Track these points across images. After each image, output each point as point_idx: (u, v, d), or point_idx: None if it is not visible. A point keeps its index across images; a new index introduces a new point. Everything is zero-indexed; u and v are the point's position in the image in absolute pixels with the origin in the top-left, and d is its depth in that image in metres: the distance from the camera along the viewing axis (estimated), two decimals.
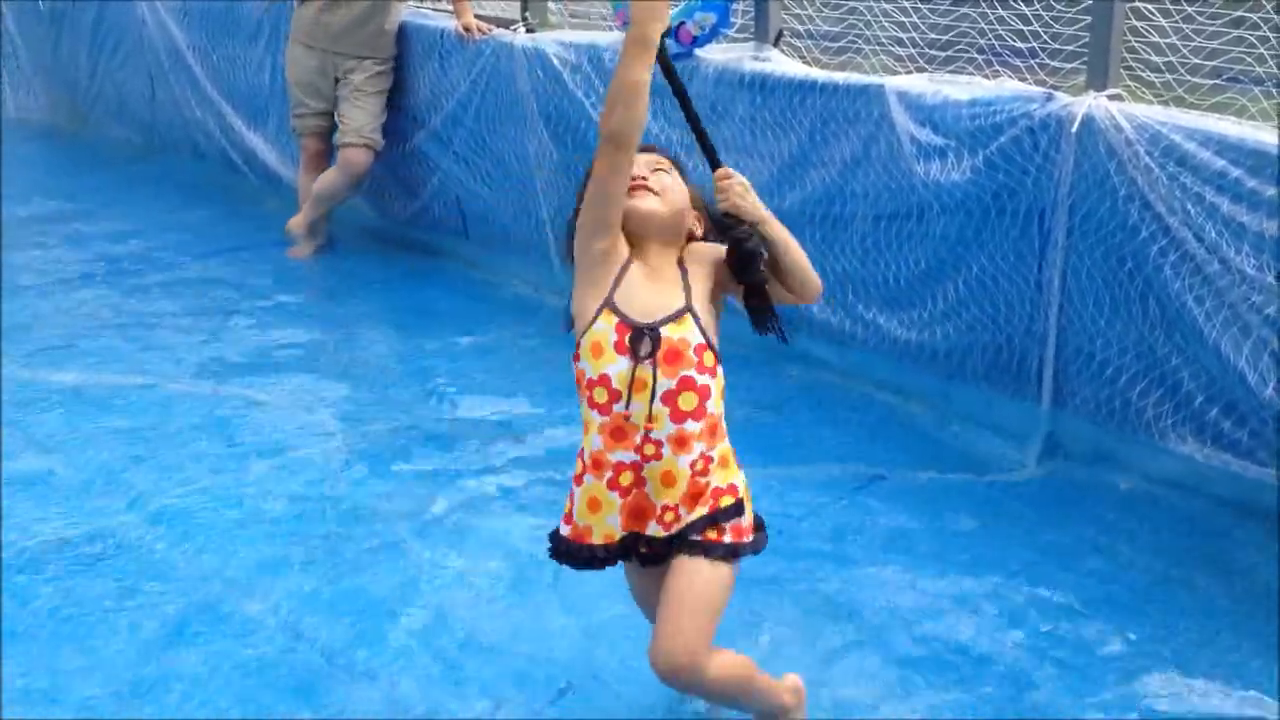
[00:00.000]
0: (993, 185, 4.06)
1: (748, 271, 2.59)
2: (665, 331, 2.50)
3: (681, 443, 2.51)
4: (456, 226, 6.17)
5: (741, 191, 2.62)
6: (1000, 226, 4.10)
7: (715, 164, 2.73)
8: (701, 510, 2.54)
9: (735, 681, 2.62)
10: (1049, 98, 3.93)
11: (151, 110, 7.94)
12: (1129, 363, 3.90)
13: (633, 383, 2.49)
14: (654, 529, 2.55)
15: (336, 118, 6.07)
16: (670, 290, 2.55)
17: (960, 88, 4.19)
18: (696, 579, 2.52)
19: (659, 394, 2.49)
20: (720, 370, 2.56)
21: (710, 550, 2.54)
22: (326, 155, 6.29)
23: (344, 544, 3.66)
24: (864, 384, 4.60)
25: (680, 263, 2.62)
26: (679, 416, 2.50)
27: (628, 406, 2.49)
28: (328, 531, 3.73)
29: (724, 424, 2.60)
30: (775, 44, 4.96)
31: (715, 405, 2.55)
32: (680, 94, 2.76)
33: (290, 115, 6.31)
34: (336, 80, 6.06)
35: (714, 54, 4.96)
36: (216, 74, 7.31)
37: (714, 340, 2.56)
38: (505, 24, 5.82)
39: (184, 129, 7.67)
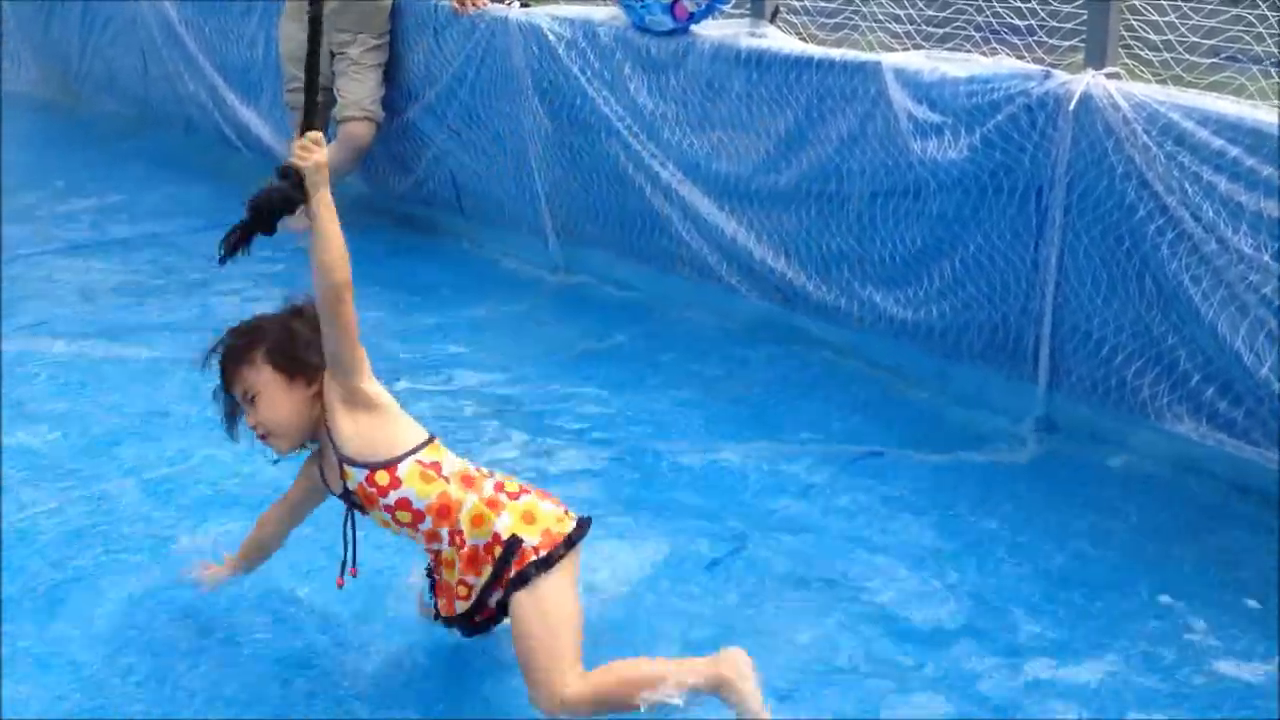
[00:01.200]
0: (990, 163, 4.04)
1: (267, 218, 2.77)
2: (349, 485, 2.72)
3: (432, 537, 2.72)
4: (451, 201, 6.15)
5: (307, 155, 2.73)
6: (997, 204, 4.09)
7: (309, 127, 2.85)
8: (486, 571, 2.68)
9: (627, 684, 2.61)
10: (1047, 75, 3.91)
11: (144, 85, 7.89)
12: (1125, 341, 3.89)
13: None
14: (459, 606, 2.76)
15: (335, 93, 6.03)
16: (332, 463, 2.75)
17: (958, 65, 4.16)
18: (516, 626, 2.64)
19: (392, 524, 2.73)
20: (399, 470, 2.68)
21: (509, 591, 2.66)
22: (321, 130, 6.23)
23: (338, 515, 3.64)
24: (859, 362, 4.59)
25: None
26: (413, 527, 2.71)
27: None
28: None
29: (454, 490, 2.69)
30: (772, 20, 4.94)
31: (424, 497, 2.68)
32: (312, 54, 2.90)
33: (283, 90, 6.26)
34: (332, 55, 6.02)
35: (710, 30, 4.93)
36: (210, 48, 7.26)
37: (382, 453, 2.69)
38: None
39: (177, 104, 7.62)
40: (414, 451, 2.71)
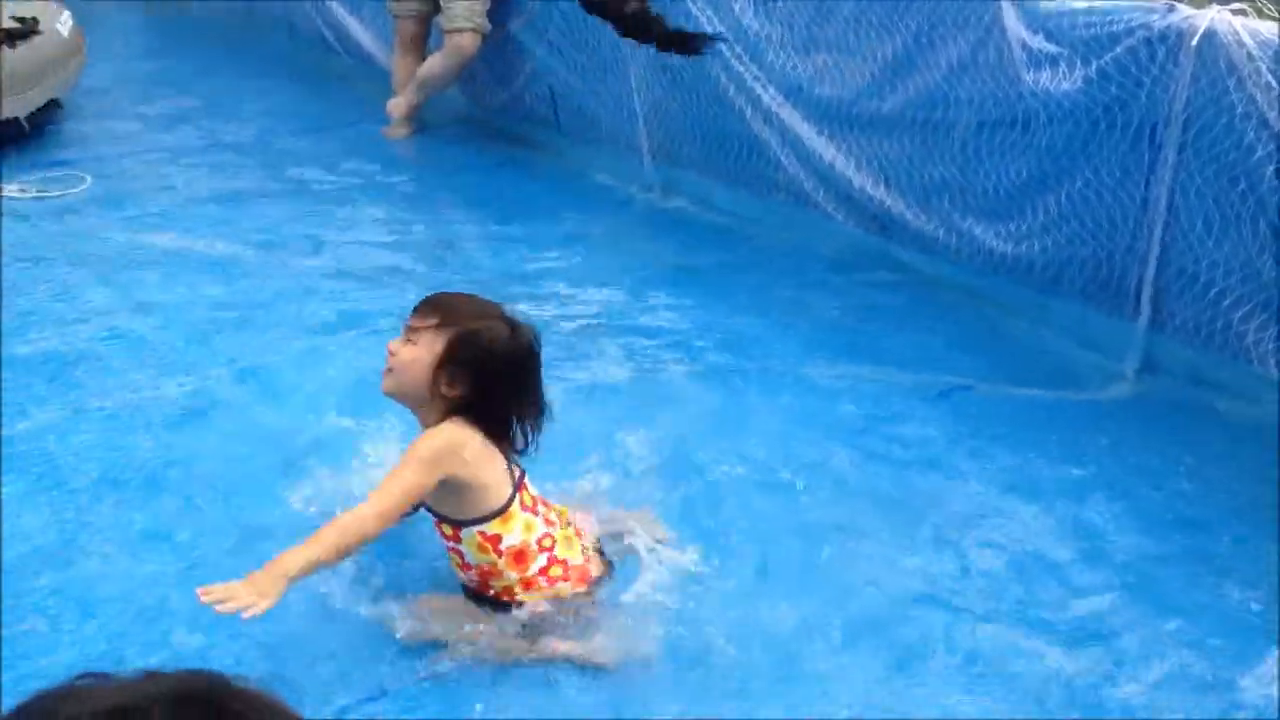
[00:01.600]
0: (1104, 97, 3.95)
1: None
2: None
3: (469, 579, 2.83)
4: (548, 117, 6.15)
5: None
6: (1109, 140, 4.00)
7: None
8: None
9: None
10: (1170, 9, 3.80)
11: None
12: (1233, 285, 3.81)
13: None
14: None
15: (440, 2, 6.03)
16: None
17: None
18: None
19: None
20: (461, 532, 2.73)
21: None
22: (423, 39, 6.28)
23: None
24: (956, 294, 4.54)
25: None
26: (460, 568, 2.83)
27: None
28: None
29: (502, 564, 2.75)
30: None
31: (475, 559, 2.77)
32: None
33: None
34: None
35: None
36: None
37: (449, 512, 2.73)
38: None
39: (282, 8, 7.68)
40: (480, 522, 2.73)
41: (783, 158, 5.08)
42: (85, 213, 5.23)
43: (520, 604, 2.79)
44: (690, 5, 5.20)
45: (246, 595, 2.28)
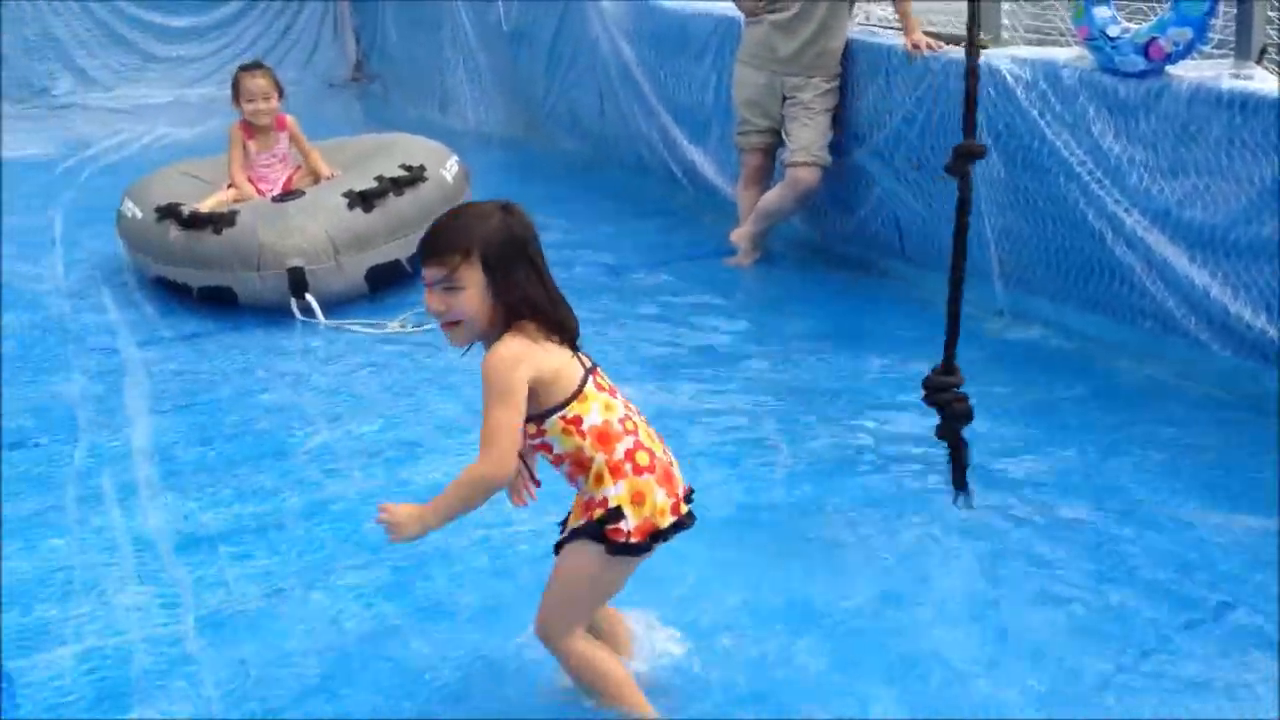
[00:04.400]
0: None
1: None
2: None
3: (568, 478, 2.90)
4: (893, 244, 6.14)
5: None
6: None
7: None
8: (585, 521, 2.85)
9: (596, 679, 2.93)
10: None
11: (600, 124, 8.38)
12: None
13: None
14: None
15: (783, 135, 6.18)
16: None
17: None
18: (566, 561, 2.90)
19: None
20: (545, 424, 2.79)
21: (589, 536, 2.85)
22: (768, 171, 6.43)
23: (792, 555, 3.71)
24: None
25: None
26: (555, 466, 2.90)
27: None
28: (773, 539, 3.81)
29: (588, 447, 2.81)
30: (1259, 60, 4.62)
31: (563, 447, 2.83)
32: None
33: (734, 132, 6.48)
34: (784, 99, 6.17)
35: (1186, 70, 4.69)
36: (662, 90, 7.62)
37: (531, 410, 2.77)
38: (954, 41, 5.73)
39: (629, 142, 8.05)
40: (560, 408, 2.79)
41: (1147, 283, 4.87)
42: (451, 346, 5.56)
43: (620, 513, 2.79)
44: (1045, 129, 5.12)
45: (399, 524, 2.72)
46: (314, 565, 3.79)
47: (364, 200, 6.08)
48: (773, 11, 6.16)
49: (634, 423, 2.88)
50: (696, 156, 7.40)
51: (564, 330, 2.82)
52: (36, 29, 10.77)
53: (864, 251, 6.33)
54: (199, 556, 3.86)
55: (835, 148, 6.16)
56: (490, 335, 2.79)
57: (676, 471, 2.92)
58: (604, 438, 2.82)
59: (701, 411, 4.76)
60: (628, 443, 2.84)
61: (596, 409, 2.82)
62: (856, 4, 6.30)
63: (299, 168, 6.53)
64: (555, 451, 2.86)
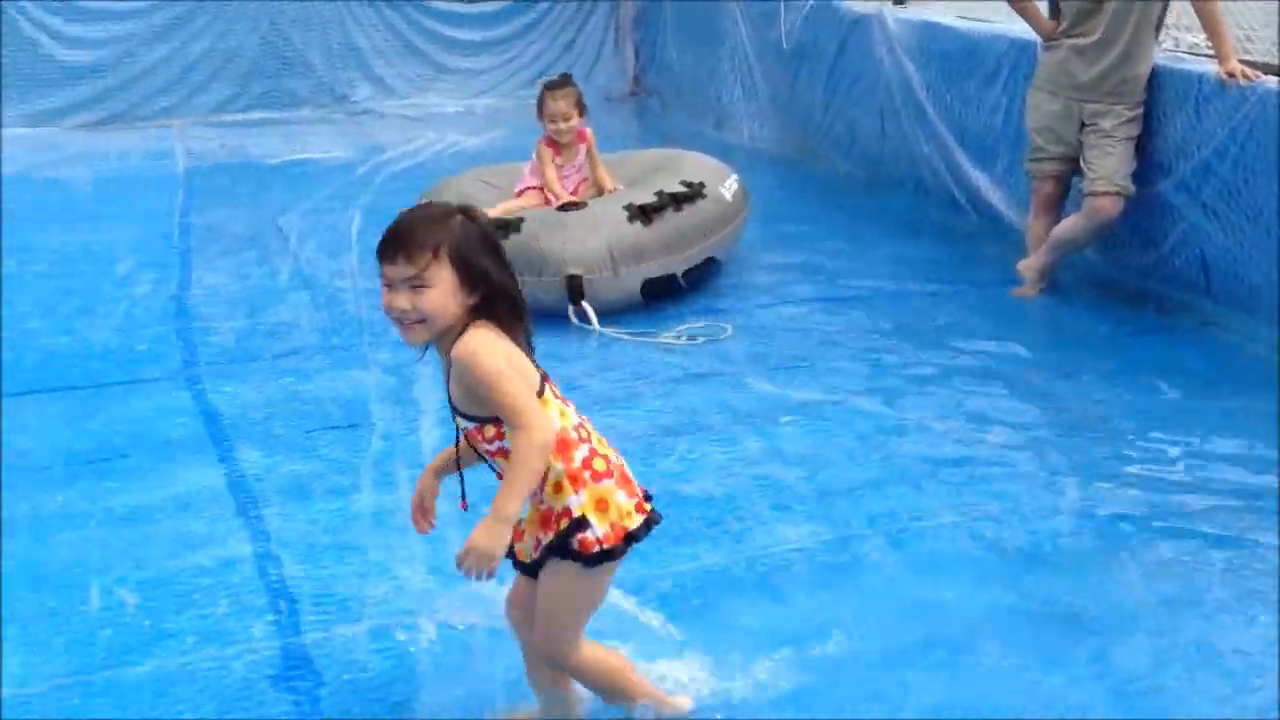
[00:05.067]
0: None
1: None
2: (456, 425, 2.87)
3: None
4: (1198, 282, 5.81)
5: None
6: None
7: None
8: (551, 536, 2.83)
9: (610, 680, 2.99)
10: None
11: (880, 145, 8.27)
12: None
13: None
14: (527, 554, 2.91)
15: (1082, 164, 5.95)
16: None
17: None
18: (549, 584, 2.87)
19: (490, 459, 2.87)
20: (504, 426, 2.73)
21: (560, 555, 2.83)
22: (1060, 200, 6.20)
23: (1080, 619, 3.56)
24: None
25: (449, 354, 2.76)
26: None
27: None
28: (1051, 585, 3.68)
29: (551, 459, 2.75)
30: None
31: None
32: None
33: (1025, 159, 6.28)
34: (1082, 125, 5.93)
35: None
36: (948, 112, 7.46)
37: (483, 413, 2.76)
38: (1274, 71, 5.40)
39: (910, 165, 7.90)
40: None
41: None
42: (725, 358, 5.59)
43: (586, 522, 2.78)
44: None
45: (482, 551, 2.67)
46: None
47: (644, 214, 6.18)
48: (1072, 36, 5.94)
49: (587, 430, 2.87)
50: (981, 182, 7.20)
51: (526, 330, 2.83)
52: (340, 39, 11.37)
53: (1163, 287, 6.00)
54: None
55: (1137, 178, 5.88)
56: (447, 335, 2.77)
57: (629, 473, 2.91)
58: (563, 445, 2.79)
59: (983, 442, 4.63)
60: (584, 450, 2.82)
61: (554, 415, 2.80)
62: (1163, 29, 6.02)
63: (585, 179, 6.68)
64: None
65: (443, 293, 2.71)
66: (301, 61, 11.30)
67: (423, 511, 3.01)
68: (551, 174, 6.55)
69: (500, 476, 2.81)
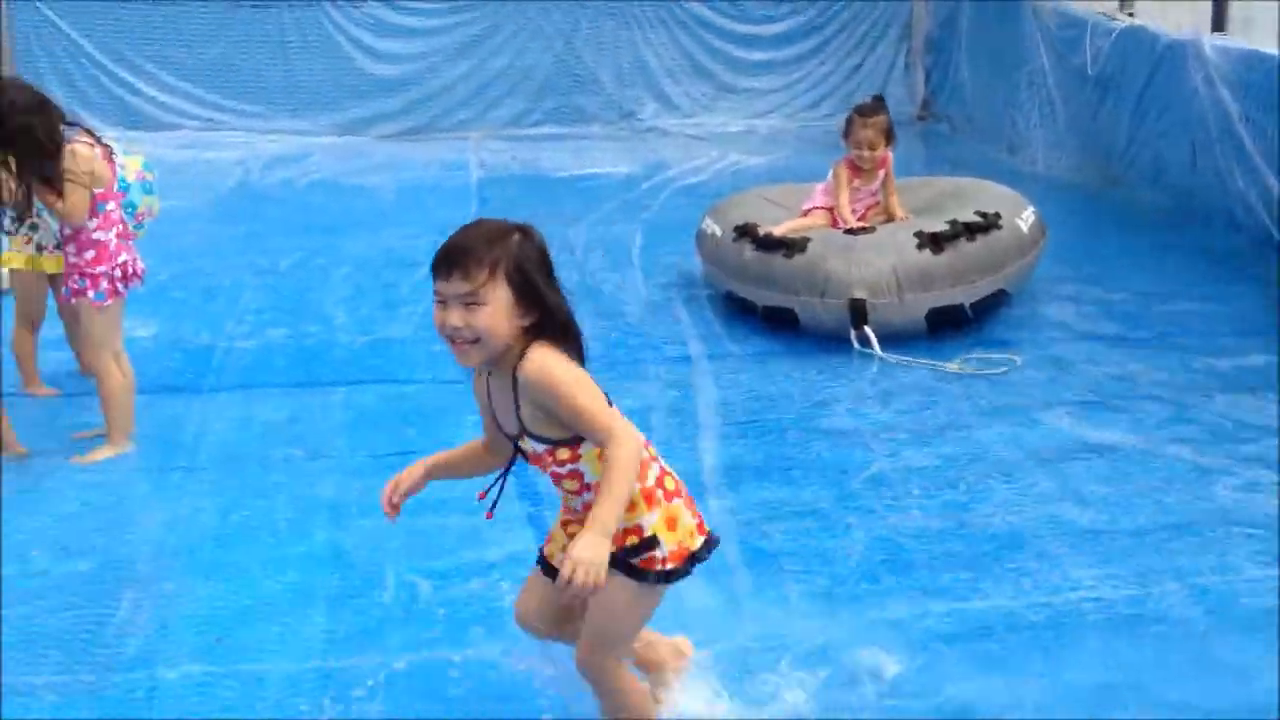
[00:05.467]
0: None
1: None
2: (523, 448, 2.82)
3: (588, 506, 2.73)
4: None
5: None
6: None
7: None
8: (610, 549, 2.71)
9: (626, 705, 2.93)
10: None
11: (1190, 178, 7.80)
12: None
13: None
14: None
15: None
16: (509, 409, 2.78)
17: None
18: (605, 596, 2.71)
19: (554, 480, 2.85)
20: (581, 449, 2.74)
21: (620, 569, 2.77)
22: None
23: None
24: None
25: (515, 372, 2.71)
26: (576, 494, 2.84)
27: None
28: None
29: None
30: None
31: (596, 474, 2.74)
32: None
33: None
34: None
35: None
36: (1269, 146, 6.96)
37: (565, 434, 2.73)
38: None
39: (1222, 199, 7.41)
40: None
41: None
42: (1013, 391, 5.38)
43: (656, 541, 2.76)
44: None
45: (588, 564, 2.59)
46: (863, 595, 3.79)
47: (934, 241, 6.02)
48: None
49: (653, 450, 2.84)
50: None
51: (580, 355, 2.77)
52: (631, 58, 11.59)
53: None
54: (759, 569, 3.95)
55: None
56: (505, 356, 2.71)
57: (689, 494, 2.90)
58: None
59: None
60: (655, 469, 2.81)
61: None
62: None
63: (876, 204, 6.56)
64: (586, 480, 2.77)
65: (497, 311, 2.66)
66: (592, 79, 11.59)
67: (393, 503, 2.94)
68: (845, 198, 6.45)
69: (576, 496, 2.84)
